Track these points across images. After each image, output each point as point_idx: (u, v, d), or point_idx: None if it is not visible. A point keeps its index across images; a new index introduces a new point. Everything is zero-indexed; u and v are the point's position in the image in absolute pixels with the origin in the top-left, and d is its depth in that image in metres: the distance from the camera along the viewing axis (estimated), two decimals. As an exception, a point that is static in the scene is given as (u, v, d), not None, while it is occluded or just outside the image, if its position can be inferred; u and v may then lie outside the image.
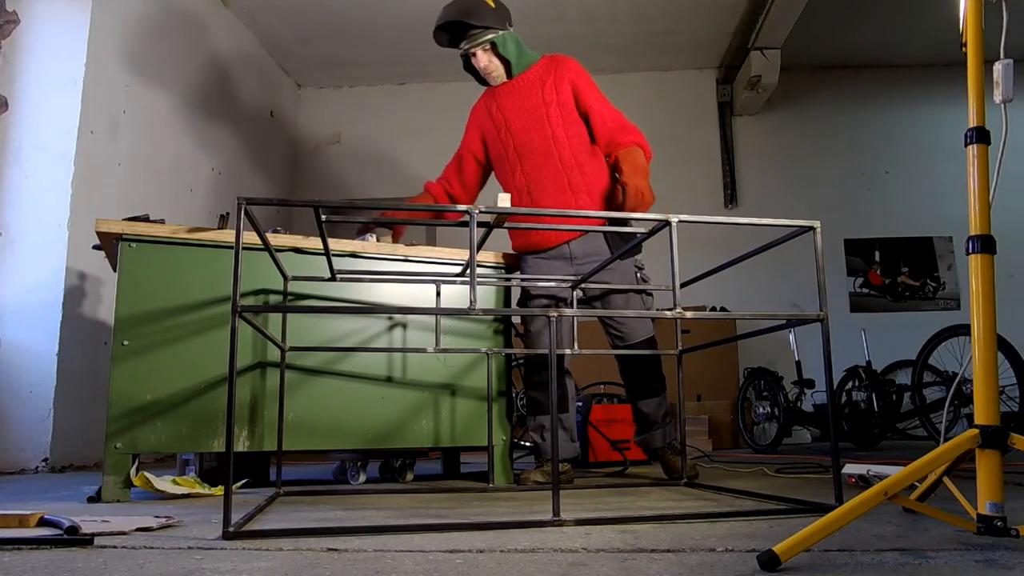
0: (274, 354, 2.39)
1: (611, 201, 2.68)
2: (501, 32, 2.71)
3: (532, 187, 2.71)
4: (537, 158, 2.71)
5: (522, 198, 2.73)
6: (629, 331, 2.68)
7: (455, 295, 2.67)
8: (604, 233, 2.66)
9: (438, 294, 2.54)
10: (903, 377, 5.12)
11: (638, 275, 2.71)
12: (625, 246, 2.36)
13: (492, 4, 2.71)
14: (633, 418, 2.82)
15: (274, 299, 2.42)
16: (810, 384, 4.77)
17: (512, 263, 2.78)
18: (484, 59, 2.74)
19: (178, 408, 2.26)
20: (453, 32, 2.75)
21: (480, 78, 2.83)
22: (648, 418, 2.72)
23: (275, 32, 6.00)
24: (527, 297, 2.79)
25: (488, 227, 1.98)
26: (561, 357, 2.71)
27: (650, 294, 2.73)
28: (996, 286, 1.31)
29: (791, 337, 5.01)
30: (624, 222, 2.56)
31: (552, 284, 2.67)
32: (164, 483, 2.23)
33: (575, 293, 2.64)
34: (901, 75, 6.95)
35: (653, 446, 2.73)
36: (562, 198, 2.67)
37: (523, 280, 2.68)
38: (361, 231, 2.76)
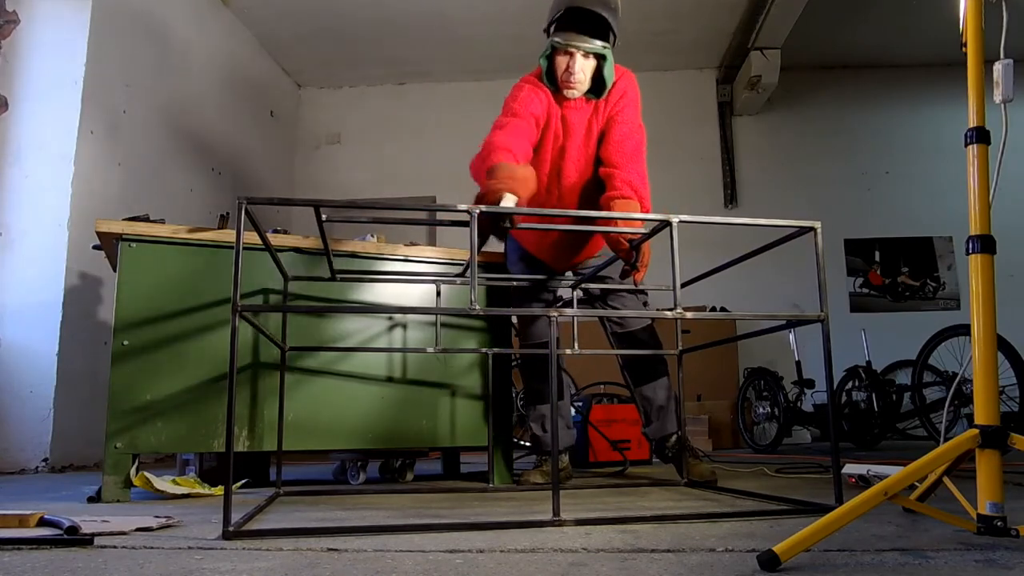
0: (274, 354, 2.39)
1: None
2: (611, 48, 2.38)
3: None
4: (575, 195, 2.55)
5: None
6: (621, 317, 2.60)
7: (456, 295, 2.67)
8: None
9: (438, 294, 2.54)
10: (903, 377, 5.13)
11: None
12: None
13: (620, 12, 2.41)
14: (638, 409, 2.68)
15: (274, 299, 2.42)
16: (810, 384, 4.77)
17: (496, 260, 2.73)
18: (584, 68, 2.38)
19: (178, 408, 2.26)
20: (576, 20, 2.35)
21: (551, 75, 2.44)
22: (652, 403, 2.59)
23: (275, 32, 6.00)
24: (523, 291, 2.68)
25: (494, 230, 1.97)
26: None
27: (645, 292, 2.69)
28: (996, 286, 1.31)
29: (791, 337, 5.00)
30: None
31: (543, 277, 2.62)
32: (164, 483, 2.23)
33: (575, 293, 2.63)
34: (901, 75, 6.95)
35: (666, 432, 2.57)
36: (589, 236, 2.60)
37: (520, 275, 2.64)
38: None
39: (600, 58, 2.39)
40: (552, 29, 2.40)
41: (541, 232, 2.64)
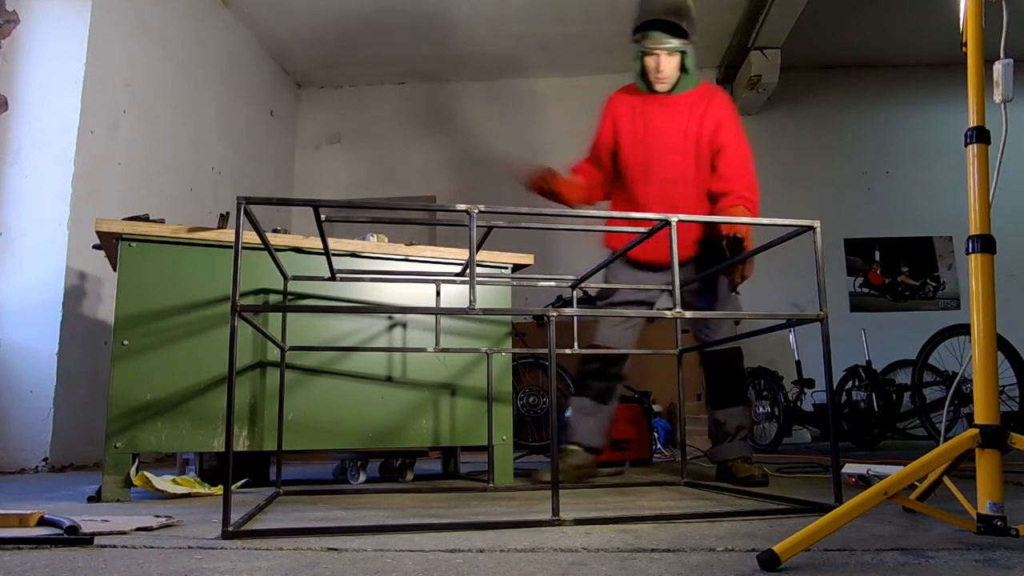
0: (274, 354, 2.39)
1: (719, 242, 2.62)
2: (691, 45, 2.65)
3: (652, 208, 2.64)
4: (664, 185, 2.69)
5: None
6: (711, 331, 2.70)
7: (456, 295, 2.67)
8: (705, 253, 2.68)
9: (438, 294, 2.54)
10: (903, 377, 5.12)
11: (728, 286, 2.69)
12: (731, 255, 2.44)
13: (694, 12, 2.65)
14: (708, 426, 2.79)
15: (274, 299, 2.42)
16: (810, 384, 4.76)
17: (493, 261, 2.74)
18: (669, 64, 2.65)
19: (178, 408, 2.26)
20: (655, 27, 2.62)
21: (644, 77, 2.71)
22: (721, 427, 2.67)
23: (275, 32, 6.00)
24: (605, 296, 2.82)
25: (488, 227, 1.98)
26: (619, 358, 2.72)
27: (736, 322, 2.72)
28: (996, 286, 1.31)
29: (791, 337, 5.00)
30: (723, 238, 2.54)
31: (631, 287, 2.71)
32: (164, 483, 2.23)
33: (575, 293, 2.64)
34: (901, 75, 6.95)
35: (719, 459, 2.67)
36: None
37: (625, 284, 2.73)
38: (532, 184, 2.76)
39: (682, 54, 2.66)
40: (637, 35, 2.68)
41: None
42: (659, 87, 2.70)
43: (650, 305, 2.74)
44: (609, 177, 2.87)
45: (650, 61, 2.66)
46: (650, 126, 2.71)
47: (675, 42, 2.62)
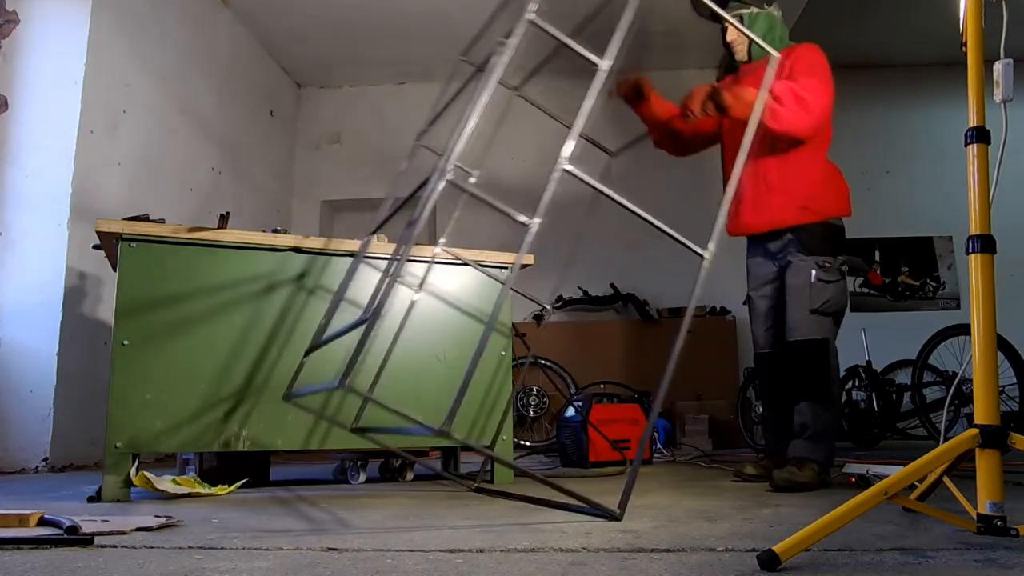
0: (274, 353, 2.38)
1: (812, 201, 2.70)
2: (756, 11, 2.72)
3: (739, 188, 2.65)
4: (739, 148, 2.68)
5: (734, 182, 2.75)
6: (793, 325, 2.59)
7: (460, 295, 2.67)
8: (796, 233, 2.66)
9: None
10: (903, 377, 5.12)
11: (814, 274, 2.59)
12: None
13: None
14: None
15: (275, 295, 2.42)
16: (810, 384, 4.75)
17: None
18: (732, 33, 2.78)
19: (178, 408, 2.26)
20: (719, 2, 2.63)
21: (727, 47, 2.83)
22: (799, 426, 2.48)
23: (275, 32, 6.00)
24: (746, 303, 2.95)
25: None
26: (770, 363, 2.75)
27: (828, 281, 2.61)
28: (996, 286, 1.31)
29: (791, 337, 4.99)
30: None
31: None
32: (164, 483, 2.22)
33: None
34: (901, 75, 6.94)
35: (791, 454, 2.43)
36: (757, 191, 2.68)
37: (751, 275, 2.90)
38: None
39: (741, 20, 2.67)
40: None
41: (732, 211, 2.77)
42: (737, 55, 2.81)
43: (780, 281, 2.72)
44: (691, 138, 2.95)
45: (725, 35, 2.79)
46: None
47: (732, 11, 2.65)
